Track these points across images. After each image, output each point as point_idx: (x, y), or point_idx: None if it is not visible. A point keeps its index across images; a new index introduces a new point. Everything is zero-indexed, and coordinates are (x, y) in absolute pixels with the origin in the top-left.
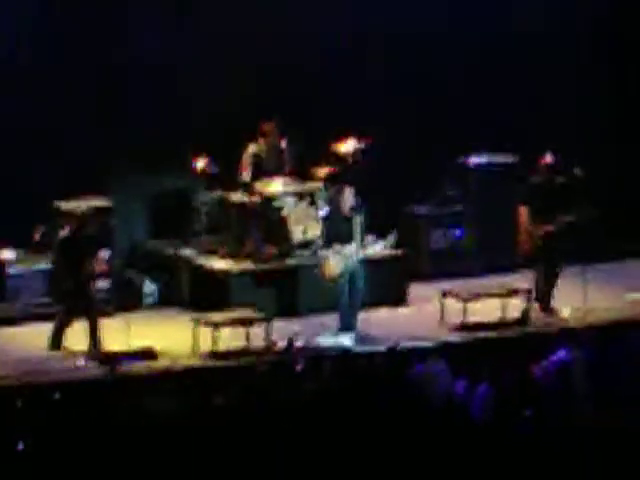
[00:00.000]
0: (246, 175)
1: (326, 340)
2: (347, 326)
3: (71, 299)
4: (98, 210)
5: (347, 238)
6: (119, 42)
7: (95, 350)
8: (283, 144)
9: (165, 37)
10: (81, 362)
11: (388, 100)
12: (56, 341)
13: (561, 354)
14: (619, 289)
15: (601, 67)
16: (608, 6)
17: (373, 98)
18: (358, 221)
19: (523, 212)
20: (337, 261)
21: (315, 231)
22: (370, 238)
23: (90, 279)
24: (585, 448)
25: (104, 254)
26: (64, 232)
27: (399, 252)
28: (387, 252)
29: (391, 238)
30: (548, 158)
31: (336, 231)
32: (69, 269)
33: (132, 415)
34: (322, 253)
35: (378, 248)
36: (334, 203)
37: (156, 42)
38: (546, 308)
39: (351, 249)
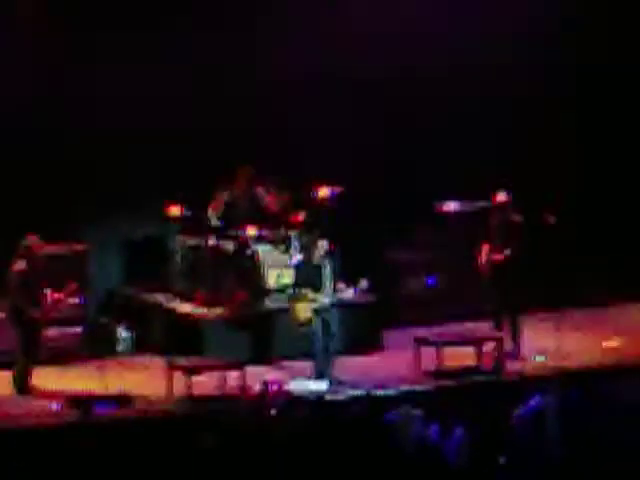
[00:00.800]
0: (215, 220)
1: (300, 385)
2: (321, 372)
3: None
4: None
5: (318, 284)
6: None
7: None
8: (259, 191)
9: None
10: (54, 406)
11: (358, 148)
12: (22, 382)
13: (536, 401)
14: (595, 336)
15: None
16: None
17: (344, 145)
18: (329, 267)
19: (484, 249)
20: (306, 305)
21: (289, 276)
22: (342, 285)
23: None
24: None
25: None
26: (19, 265)
27: (373, 298)
28: (361, 298)
29: (363, 283)
30: (501, 196)
31: (307, 277)
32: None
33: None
34: (291, 298)
35: (350, 294)
36: (307, 250)
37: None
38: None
39: (322, 295)
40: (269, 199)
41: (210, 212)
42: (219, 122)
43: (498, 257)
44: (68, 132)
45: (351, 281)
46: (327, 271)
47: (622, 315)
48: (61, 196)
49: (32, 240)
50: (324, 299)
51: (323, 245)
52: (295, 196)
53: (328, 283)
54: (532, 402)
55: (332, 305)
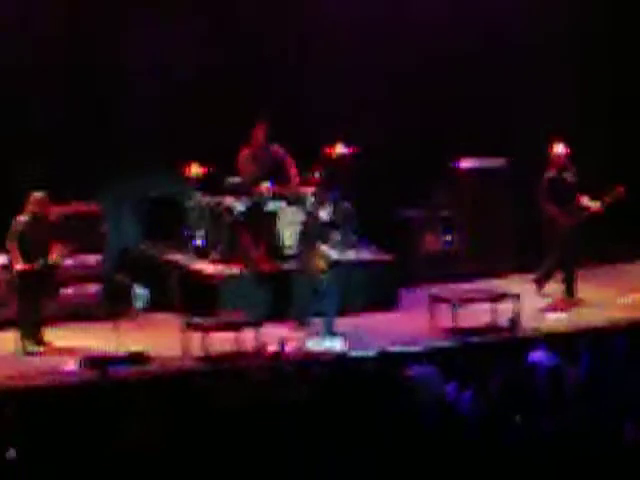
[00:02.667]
0: (237, 179)
1: (316, 344)
2: (332, 330)
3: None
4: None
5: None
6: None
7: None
8: (277, 150)
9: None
10: (71, 366)
11: (378, 105)
12: (35, 336)
13: (544, 356)
14: (613, 292)
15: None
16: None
17: (362, 103)
18: (346, 227)
19: (549, 206)
20: (321, 257)
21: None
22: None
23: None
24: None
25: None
26: (23, 217)
27: (389, 257)
28: (377, 257)
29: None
30: (560, 149)
31: (319, 233)
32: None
33: (127, 420)
34: (305, 249)
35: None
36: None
37: (149, 47)
38: (572, 294)
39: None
40: (292, 170)
41: (235, 178)
42: (237, 77)
43: (596, 208)
44: (87, 94)
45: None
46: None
47: None
48: (78, 155)
49: (37, 197)
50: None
51: (327, 212)
52: (311, 153)
53: (341, 241)
54: (539, 357)
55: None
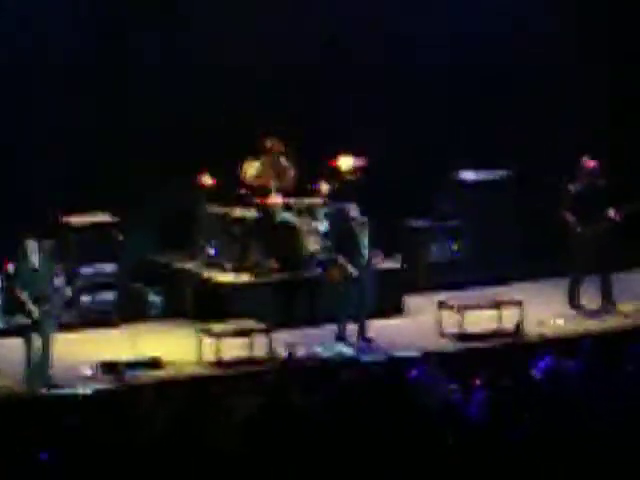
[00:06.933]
0: (244, 189)
1: (326, 350)
2: (342, 336)
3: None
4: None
5: (354, 252)
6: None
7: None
8: (284, 161)
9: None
10: (88, 371)
11: (382, 117)
12: None
13: (549, 361)
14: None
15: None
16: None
17: (368, 115)
18: (363, 236)
19: (569, 217)
20: (345, 264)
21: (315, 246)
22: (378, 253)
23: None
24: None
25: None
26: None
27: (397, 265)
28: (385, 265)
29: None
30: (590, 163)
31: (342, 246)
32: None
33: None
34: (330, 259)
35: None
36: (338, 219)
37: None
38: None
39: (359, 263)
40: (292, 173)
41: (243, 179)
42: (246, 90)
43: (617, 217)
44: (99, 99)
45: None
46: (363, 240)
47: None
48: (95, 165)
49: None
50: (354, 269)
51: (352, 212)
52: (319, 165)
53: (363, 253)
54: (545, 363)
55: (366, 273)
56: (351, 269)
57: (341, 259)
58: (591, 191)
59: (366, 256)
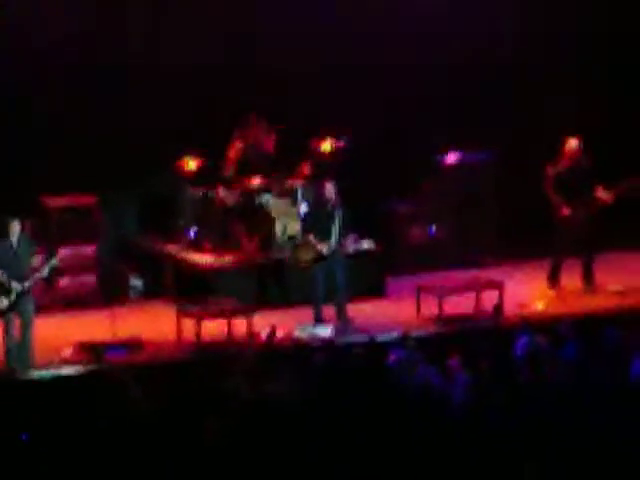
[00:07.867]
0: (228, 171)
1: (305, 331)
2: (320, 318)
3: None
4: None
5: (326, 234)
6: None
7: None
8: (267, 142)
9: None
10: (68, 353)
11: (364, 98)
12: None
13: (526, 342)
14: (602, 280)
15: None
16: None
17: (349, 97)
18: (337, 217)
19: (554, 199)
20: (308, 249)
21: (295, 227)
22: (352, 237)
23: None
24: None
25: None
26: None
27: (376, 247)
28: (364, 247)
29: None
30: (572, 143)
31: (315, 226)
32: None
33: (120, 405)
34: (295, 242)
35: (365, 245)
36: (315, 199)
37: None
38: (555, 283)
39: (326, 245)
40: (266, 140)
41: (226, 171)
42: (228, 74)
43: (608, 198)
44: (78, 81)
45: (360, 234)
46: (336, 222)
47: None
48: (77, 148)
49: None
50: (325, 249)
51: (331, 191)
52: (299, 147)
53: (334, 234)
54: (522, 343)
55: (337, 255)
56: (321, 247)
57: (311, 238)
58: (575, 172)
59: (337, 238)
